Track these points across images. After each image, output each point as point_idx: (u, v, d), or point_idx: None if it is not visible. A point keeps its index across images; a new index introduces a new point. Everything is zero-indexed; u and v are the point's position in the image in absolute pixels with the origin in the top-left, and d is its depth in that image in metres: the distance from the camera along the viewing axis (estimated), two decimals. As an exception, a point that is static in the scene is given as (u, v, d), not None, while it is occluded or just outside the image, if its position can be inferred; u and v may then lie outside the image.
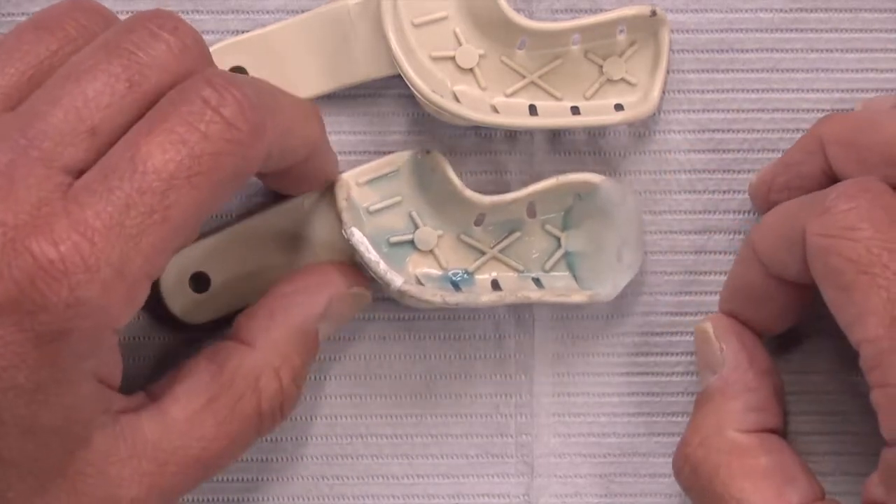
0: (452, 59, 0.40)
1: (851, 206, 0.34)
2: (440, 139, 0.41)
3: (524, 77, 0.40)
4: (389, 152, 0.40)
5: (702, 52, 0.41)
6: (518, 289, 0.39)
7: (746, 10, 0.41)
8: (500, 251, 0.40)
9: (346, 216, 0.38)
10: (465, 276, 0.40)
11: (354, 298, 0.39)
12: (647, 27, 0.40)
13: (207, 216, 0.34)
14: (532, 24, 0.40)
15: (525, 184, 0.40)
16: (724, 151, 0.41)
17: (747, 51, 0.41)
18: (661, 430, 0.41)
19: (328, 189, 0.39)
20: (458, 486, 0.41)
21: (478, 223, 0.40)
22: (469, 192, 0.39)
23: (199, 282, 0.39)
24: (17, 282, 0.31)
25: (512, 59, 0.40)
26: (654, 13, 0.39)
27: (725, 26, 0.41)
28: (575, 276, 0.40)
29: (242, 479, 0.41)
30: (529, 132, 0.41)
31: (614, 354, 0.41)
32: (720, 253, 0.41)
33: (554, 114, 0.40)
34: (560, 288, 0.40)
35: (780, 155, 0.40)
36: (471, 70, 0.40)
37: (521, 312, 0.41)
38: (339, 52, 0.40)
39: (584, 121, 0.40)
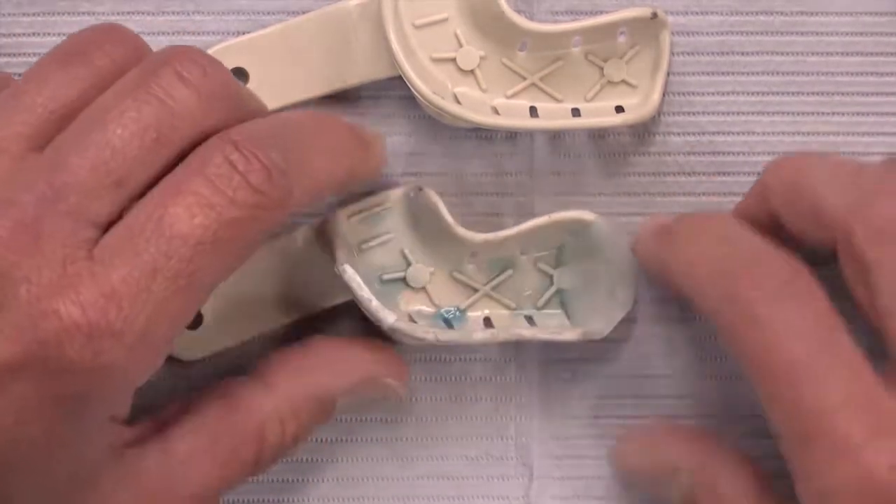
0: (453, 60, 0.40)
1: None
2: (441, 141, 0.41)
3: (525, 79, 0.40)
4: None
5: (702, 54, 0.41)
6: (510, 326, 0.39)
7: (747, 13, 0.41)
8: (493, 288, 0.40)
9: (338, 253, 0.38)
10: (458, 313, 0.40)
11: (385, 388, 0.39)
12: (648, 29, 0.40)
13: (227, 276, 0.34)
14: (533, 25, 0.40)
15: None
16: (724, 154, 0.41)
17: (748, 53, 0.41)
18: (661, 433, 0.41)
19: (320, 227, 0.39)
20: (458, 488, 0.41)
21: (470, 261, 0.40)
22: (461, 230, 0.39)
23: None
24: (40, 342, 0.31)
25: (513, 61, 0.40)
26: (654, 15, 0.39)
27: (726, 29, 0.41)
28: (567, 314, 0.40)
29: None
30: (530, 134, 0.41)
31: (614, 356, 0.41)
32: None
33: (554, 115, 0.40)
34: (552, 326, 0.40)
35: (780, 156, 0.40)
36: (472, 72, 0.40)
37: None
38: (340, 53, 0.40)
39: (585, 122, 0.40)
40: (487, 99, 0.40)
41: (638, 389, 0.41)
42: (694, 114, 0.41)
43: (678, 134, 0.41)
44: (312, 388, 0.37)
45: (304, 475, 0.41)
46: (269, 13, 0.40)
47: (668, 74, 0.40)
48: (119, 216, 0.33)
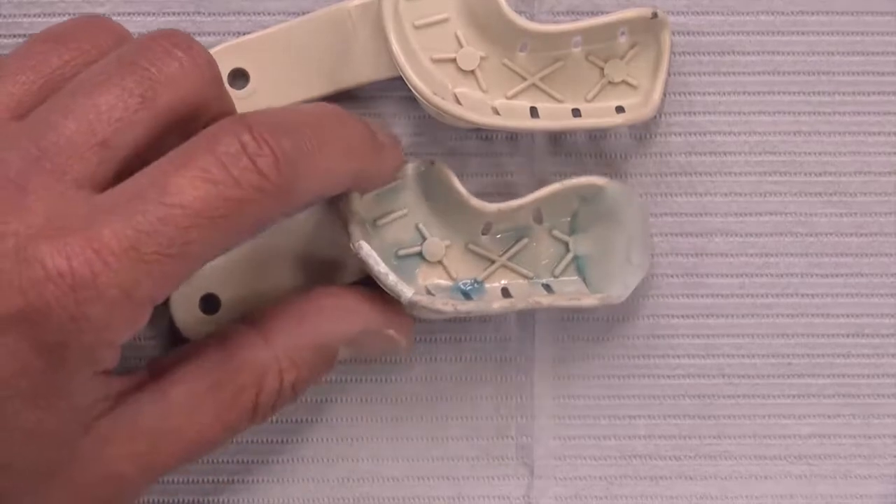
0: (454, 61, 0.40)
1: None
2: (441, 141, 0.41)
3: (525, 79, 0.40)
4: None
5: (703, 54, 0.41)
6: (528, 295, 0.39)
7: (748, 13, 0.41)
8: (509, 259, 0.40)
9: (353, 230, 0.38)
10: (476, 285, 0.40)
11: (386, 340, 0.39)
12: (649, 29, 0.40)
13: (219, 255, 0.34)
14: (533, 26, 0.39)
15: (527, 186, 0.40)
16: (725, 154, 0.41)
17: (749, 53, 0.41)
18: (662, 433, 0.41)
19: (334, 205, 0.39)
20: (458, 488, 0.41)
21: (485, 232, 0.40)
22: (475, 201, 0.39)
23: (209, 302, 0.39)
24: (24, 292, 0.31)
25: (513, 62, 0.40)
26: (655, 15, 0.39)
27: (727, 28, 0.41)
28: (584, 280, 0.40)
29: (243, 481, 0.41)
30: (531, 134, 0.41)
31: (614, 357, 0.41)
32: (721, 255, 0.41)
33: (555, 116, 0.40)
34: (571, 292, 0.40)
35: (780, 157, 0.41)
36: (472, 72, 0.40)
37: (523, 314, 0.41)
38: (340, 54, 0.40)
39: (586, 123, 0.39)
40: (488, 99, 0.40)
41: (638, 390, 0.41)
42: (695, 114, 0.41)
43: (679, 134, 0.41)
44: (311, 337, 0.37)
45: (305, 474, 0.41)
46: (269, 14, 0.40)
47: (669, 74, 0.40)
48: (111, 181, 0.33)
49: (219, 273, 0.39)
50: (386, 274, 0.37)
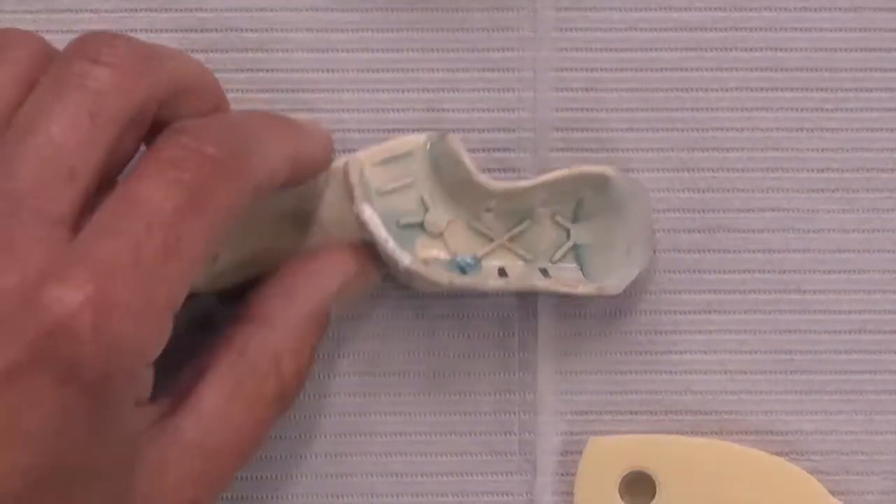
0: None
1: None
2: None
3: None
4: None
5: (706, 50, 0.41)
6: (525, 278, 0.39)
7: (751, 9, 0.41)
8: (510, 240, 0.40)
9: (357, 193, 0.38)
10: (473, 262, 0.40)
11: (364, 281, 0.39)
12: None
13: (215, 247, 0.34)
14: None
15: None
16: (727, 150, 0.41)
17: (752, 49, 0.41)
18: (664, 429, 0.41)
19: (340, 167, 0.39)
20: (462, 484, 0.41)
21: (488, 210, 0.40)
22: (482, 178, 0.39)
23: None
24: (45, 336, 0.31)
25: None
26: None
27: (730, 25, 0.41)
28: (582, 269, 0.40)
29: (247, 477, 0.41)
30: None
31: (618, 353, 0.41)
32: (723, 251, 0.41)
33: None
34: (567, 279, 0.40)
35: (783, 153, 0.41)
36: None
37: (526, 310, 0.41)
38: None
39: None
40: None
41: (640, 386, 0.41)
42: (697, 109, 0.41)
43: (681, 130, 0.41)
44: (307, 308, 0.38)
45: (307, 470, 0.41)
46: (271, 10, 0.40)
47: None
48: (86, 207, 0.33)
49: None
50: (386, 240, 0.38)
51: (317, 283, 0.38)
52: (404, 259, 0.38)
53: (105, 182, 0.34)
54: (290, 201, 0.39)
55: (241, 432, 0.36)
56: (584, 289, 0.39)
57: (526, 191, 0.40)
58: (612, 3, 0.41)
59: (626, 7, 0.41)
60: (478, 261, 0.40)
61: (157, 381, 0.34)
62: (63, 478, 0.32)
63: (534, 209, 0.40)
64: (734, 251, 0.41)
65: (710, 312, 0.41)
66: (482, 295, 0.40)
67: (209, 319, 0.39)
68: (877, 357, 0.41)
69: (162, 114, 0.35)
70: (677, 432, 0.41)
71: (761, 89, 0.41)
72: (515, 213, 0.40)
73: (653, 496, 0.39)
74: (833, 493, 0.39)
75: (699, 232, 0.41)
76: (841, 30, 0.41)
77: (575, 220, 0.40)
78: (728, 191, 0.41)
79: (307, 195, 0.39)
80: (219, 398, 0.36)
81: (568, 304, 0.41)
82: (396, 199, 0.40)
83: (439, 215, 0.40)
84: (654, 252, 0.40)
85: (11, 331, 0.31)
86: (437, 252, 0.40)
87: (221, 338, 0.37)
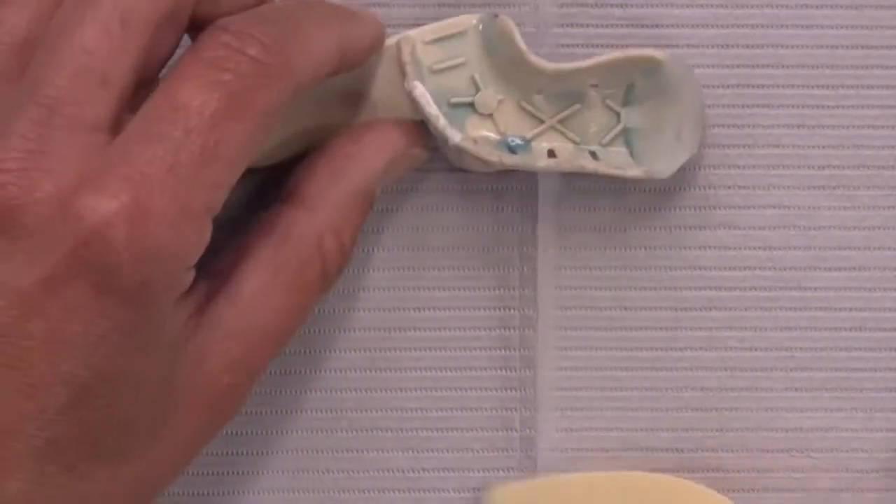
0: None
1: None
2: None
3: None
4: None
5: (707, 47, 0.41)
6: (574, 159, 0.39)
7: (752, 6, 0.41)
8: (559, 122, 0.40)
9: (409, 70, 0.38)
10: (523, 142, 0.40)
11: (412, 159, 0.39)
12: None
13: (257, 150, 0.34)
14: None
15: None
16: (727, 147, 0.41)
17: (753, 46, 0.41)
18: (666, 426, 0.41)
19: (392, 46, 0.39)
20: (461, 481, 0.41)
21: (539, 92, 0.40)
22: (533, 58, 0.39)
23: None
24: (81, 245, 0.31)
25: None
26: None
27: (731, 22, 0.41)
28: (632, 154, 0.40)
29: (247, 472, 0.41)
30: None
31: (617, 349, 0.41)
32: (724, 248, 0.41)
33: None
34: (616, 162, 0.40)
35: (784, 150, 0.41)
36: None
37: (526, 308, 0.41)
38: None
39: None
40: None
41: (640, 383, 0.41)
42: (698, 106, 0.41)
43: (683, 127, 0.41)
44: (350, 187, 0.37)
45: (308, 465, 0.41)
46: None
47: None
48: (124, 113, 0.33)
49: None
50: (437, 116, 0.38)
51: (363, 161, 0.38)
52: (455, 136, 0.38)
53: (146, 81, 0.34)
54: (341, 79, 0.39)
55: (281, 317, 0.36)
56: (632, 172, 0.39)
57: (577, 72, 0.39)
58: (613, 0, 0.41)
59: (627, 3, 0.41)
60: (527, 141, 0.40)
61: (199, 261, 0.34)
62: (107, 385, 0.32)
63: (584, 92, 0.40)
64: (734, 248, 0.41)
65: (710, 309, 0.41)
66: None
67: (255, 196, 0.39)
68: (877, 354, 0.41)
69: (202, 9, 0.35)
70: (678, 428, 0.41)
71: (762, 86, 0.41)
72: (566, 95, 0.40)
73: None
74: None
75: (699, 228, 0.41)
76: (842, 27, 0.41)
77: (625, 103, 0.40)
78: (728, 187, 0.41)
79: (358, 73, 0.39)
80: (260, 283, 0.36)
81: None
82: (448, 78, 0.40)
83: (490, 95, 0.40)
84: (702, 139, 0.40)
85: (49, 241, 0.31)
86: (486, 132, 0.40)
87: (265, 219, 0.37)
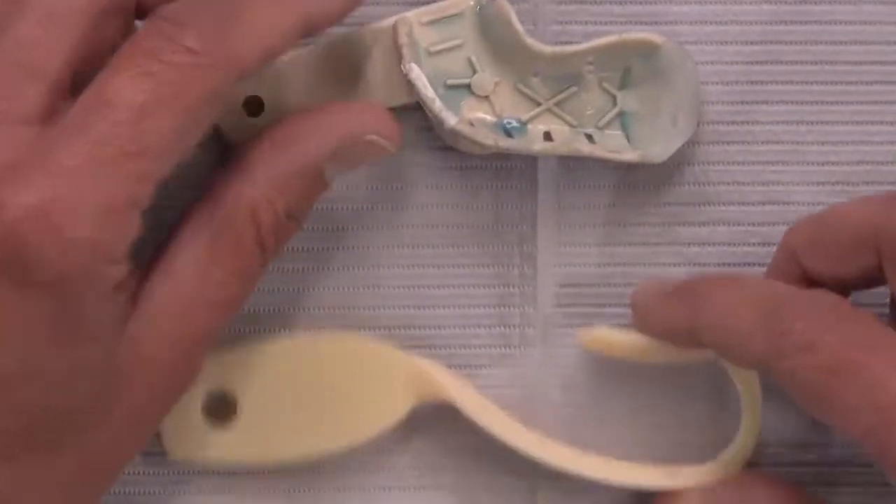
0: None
1: (805, 323, 0.34)
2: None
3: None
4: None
5: (706, 43, 0.41)
6: (570, 142, 0.40)
7: (750, 3, 0.41)
8: (556, 104, 0.40)
9: (405, 52, 0.38)
10: (519, 124, 0.40)
11: (369, 146, 0.37)
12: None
13: (192, 142, 0.33)
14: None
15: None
16: (727, 143, 0.41)
17: (751, 43, 0.41)
18: (666, 423, 0.41)
19: (389, 27, 0.39)
20: (464, 477, 0.41)
21: (536, 74, 0.40)
22: (530, 41, 0.39)
23: (253, 106, 0.39)
24: (3, 241, 0.31)
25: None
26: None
27: (729, 18, 0.41)
28: (628, 137, 0.40)
29: (247, 472, 0.41)
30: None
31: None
32: (724, 245, 0.41)
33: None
34: (612, 145, 0.40)
35: (783, 146, 0.41)
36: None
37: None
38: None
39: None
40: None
41: (637, 383, 0.41)
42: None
43: (681, 123, 0.41)
44: (291, 160, 0.36)
45: (312, 466, 0.41)
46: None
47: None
48: (59, 106, 0.33)
49: (264, 77, 0.39)
50: (433, 99, 0.38)
51: (311, 137, 0.37)
52: (450, 119, 0.38)
53: (90, 71, 0.33)
54: (339, 55, 0.39)
55: (218, 286, 0.35)
56: (628, 155, 0.39)
57: (574, 55, 0.40)
58: (612, -3, 0.41)
59: (626, 0, 0.41)
60: (523, 124, 0.40)
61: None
62: (38, 377, 0.32)
63: (581, 75, 0.40)
64: (734, 244, 0.41)
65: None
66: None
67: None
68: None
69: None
70: (679, 427, 0.41)
71: (761, 82, 0.41)
72: (563, 77, 0.40)
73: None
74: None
75: (699, 225, 0.41)
76: (840, 22, 0.41)
77: (622, 87, 0.40)
78: (728, 184, 0.41)
79: (355, 50, 0.39)
80: (194, 253, 0.35)
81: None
82: (444, 59, 0.40)
83: (486, 77, 0.40)
84: (699, 124, 0.40)
85: None
86: (482, 114, 0.40)
87: (204, 185, 0.36)
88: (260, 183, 0.36)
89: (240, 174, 0.36)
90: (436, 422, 0.41)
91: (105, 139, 0.32)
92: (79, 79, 0.33)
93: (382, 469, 0.41)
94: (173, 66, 0.33)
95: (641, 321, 0.39)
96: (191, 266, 0.35)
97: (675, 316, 0.37)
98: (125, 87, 0.32)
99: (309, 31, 0.36)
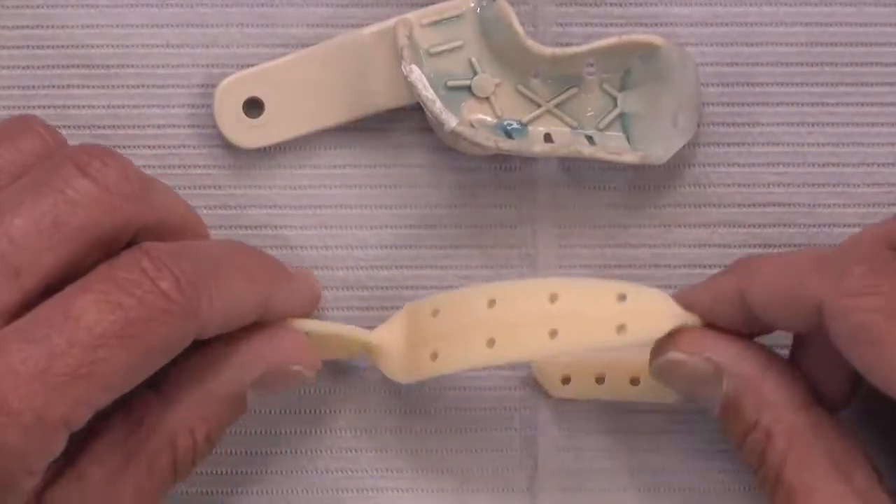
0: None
1: (866, 267, 0.33)
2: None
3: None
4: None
5: (706, 45, 0.41)
6: (570, 143, 0.40)
7: (751, 4, 0.41)
8: (556, 106, 0.40)
9: (406, 53, 0.38)
10: (519, 126, 0.40)
11: (292, 376, 0.37)
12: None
13: (137, 380, 0.34)
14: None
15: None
16: (727, 145, 0.41)
17: (752, 45, 0.41)
18: (666, 426, 0.41)
19: (390, 28, 0.39)
20: (462, 480, 0.41)
21: (536, 76, 0.40)
22: (530, 42, 0.39)
23: (253, 107, 0.39)
24: None
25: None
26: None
27: (730, 20, 0.41)
28: (628, 138, 0.40)
29: (246, 472, 0.41)
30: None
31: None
32: (724, 246, 0.41)
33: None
34: (613, 147, 0.40)
35: (783, 148, 0.41)
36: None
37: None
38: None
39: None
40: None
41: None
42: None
43: (682, 125, 0.41)
44: (213, 390, 0.36)
45: (307, 465, 0.41)
46: (270, 5, 0.41)
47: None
48: (21, 307, 0.33)
49: (266, 77, 0.39)
50: (433, 100, 0.38)
51: (234, 366, 0.37)
52: (451, 121, 0.38)
53: (57, 286, 0.34)
54: (340, 56, 0.39)
55: (132, 501, 0.35)
56: (629, 157, 0.39)
57: (574, 57, 0.40)
58: (612, -1, 0.41)
59: (625, 2, 0.41)
60: (524, 125, 0.40)
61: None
62: None
63: (582, 76, 0.40)
64: (735, 246, 0.41)
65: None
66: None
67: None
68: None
69: (138, 241, 0.35)
70: (679, 428, 0.41)
71: (761, 84, 0.41)
72: (563, 79, 0.40)
73: None
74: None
75: (699, 227, 0.41)
76: (841, 24, 0.41)
77: (622, 88, 0.40)
78: (728, 185, 0.41)
79: (356, 52, 0.39)
80: (107, 467, 0.35)
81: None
82: (445, 61, 0.40)
83: (487, 79, 0.40)
84: (699, 125, 0.40)
85: None
86: (483, 115, 0.40)
87: (122, 405, 0.35)
88: (181, 410, 0.36)
89: (161, 398, 0.36)
90: (435, 422, 0.41)
91: (59, 354, 0.32)
92: (54, 284, 0.34)
93: (382, 469, 0.41)
94: (143, 306, 0.33)
95: (683, 297, 0.37)
96: (102, 479, 0.35)
97: (724, 283, 0.36)
98: (91, 310, 0.32)
99: (265, 314, 0.37)
